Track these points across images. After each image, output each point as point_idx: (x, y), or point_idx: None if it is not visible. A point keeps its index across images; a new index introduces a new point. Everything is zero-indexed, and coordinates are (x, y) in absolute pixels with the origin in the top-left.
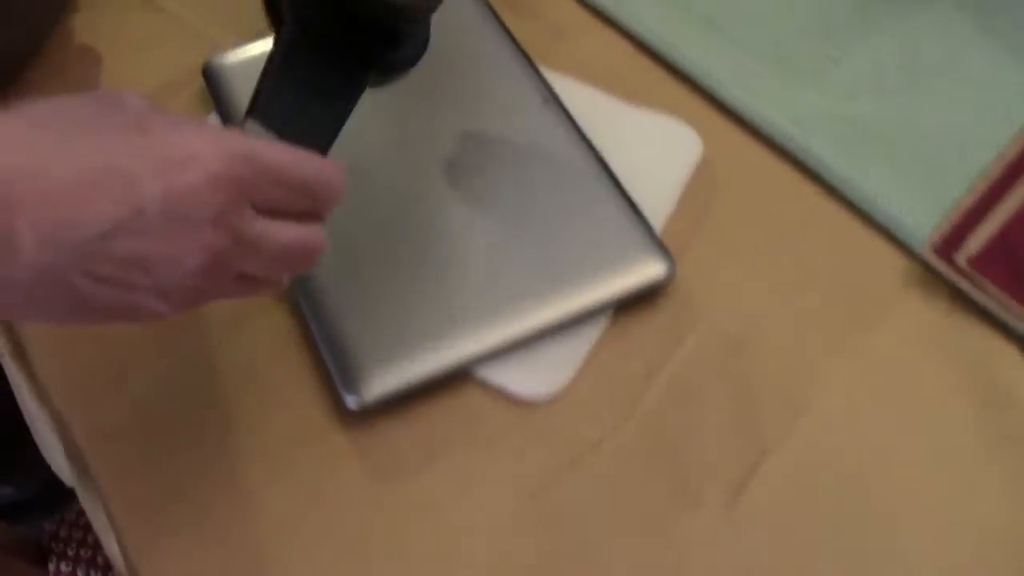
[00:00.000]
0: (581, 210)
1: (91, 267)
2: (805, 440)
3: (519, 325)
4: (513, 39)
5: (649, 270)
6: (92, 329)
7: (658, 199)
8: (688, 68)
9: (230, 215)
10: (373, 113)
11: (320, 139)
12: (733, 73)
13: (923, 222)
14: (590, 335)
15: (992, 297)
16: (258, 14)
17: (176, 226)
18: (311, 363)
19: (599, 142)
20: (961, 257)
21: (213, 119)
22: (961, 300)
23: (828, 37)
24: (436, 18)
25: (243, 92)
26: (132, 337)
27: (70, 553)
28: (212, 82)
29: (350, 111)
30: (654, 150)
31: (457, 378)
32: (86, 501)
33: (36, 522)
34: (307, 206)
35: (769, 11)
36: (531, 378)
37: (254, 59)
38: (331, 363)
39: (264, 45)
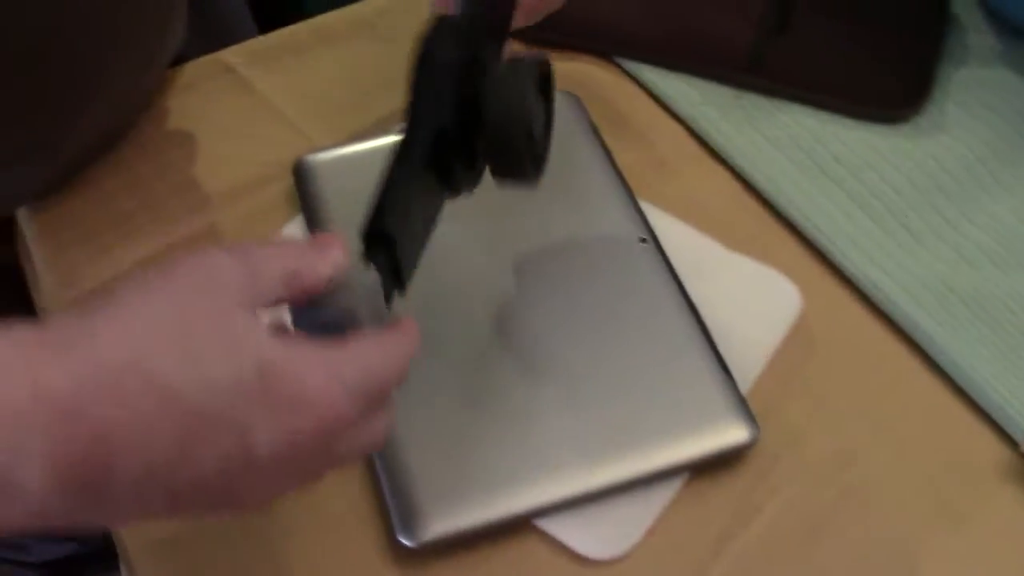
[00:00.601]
0: (667, 362)
1: (185, 496)
2: None
3: (589, 480)
4: (616, 168)
5: (731, 434)
6: None
7: (749, 356)
8: (795, 216)
9: (333, 445)
10: (461, 240)
11: (417, 255)
12: (842, 227)
13: None
14: (663, 497)
15: None
16: (353, 115)
17: (282, 464)
18: (370, 493)
19: (694, 288)
20: None
21: (298, 222)
22: None
23: (949, 199)
24: None
25: (332, 196)
26: None
27: None
28: (302, 181)
29: (435, 228)
30: (751, 303)
31: (519, 526)
32: None
33: None
34: None
35: (887, 165)
36: (596, 537)
37: (346, 163)
38: (390, 497)
39: (356, 149)
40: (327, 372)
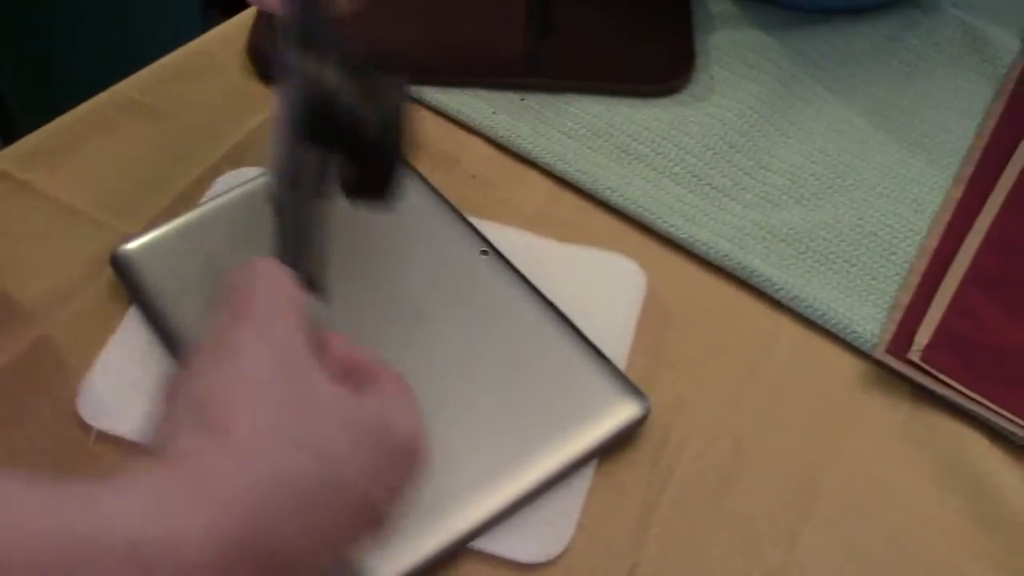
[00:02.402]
0: (545, 361)
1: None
2: (811, 561)
3: (508, 491)
4: (434, 189)
5: (625, 411)
6: None
7: (616, 337)
8: (612, 198)
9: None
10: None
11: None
12: (657, 198)
13: (872, 323)
14: (581, 487)
15: (951, 388)
16: (151, 196)
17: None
18: None
19: (544, 287)
20: (914, 354)
21: (133, 313)
22: (924, 395)
23: (742, 152)
24: None
25: (160, 279)
26: None
27: None
28: (125, 272)
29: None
30: (601, 288)
31: (457, 554)
32: None
33: None
34: None
35: (680, 134)
36: (533, 541)
37: (163, 243)
38: None
39: (169, 227)
40: (413, 415)
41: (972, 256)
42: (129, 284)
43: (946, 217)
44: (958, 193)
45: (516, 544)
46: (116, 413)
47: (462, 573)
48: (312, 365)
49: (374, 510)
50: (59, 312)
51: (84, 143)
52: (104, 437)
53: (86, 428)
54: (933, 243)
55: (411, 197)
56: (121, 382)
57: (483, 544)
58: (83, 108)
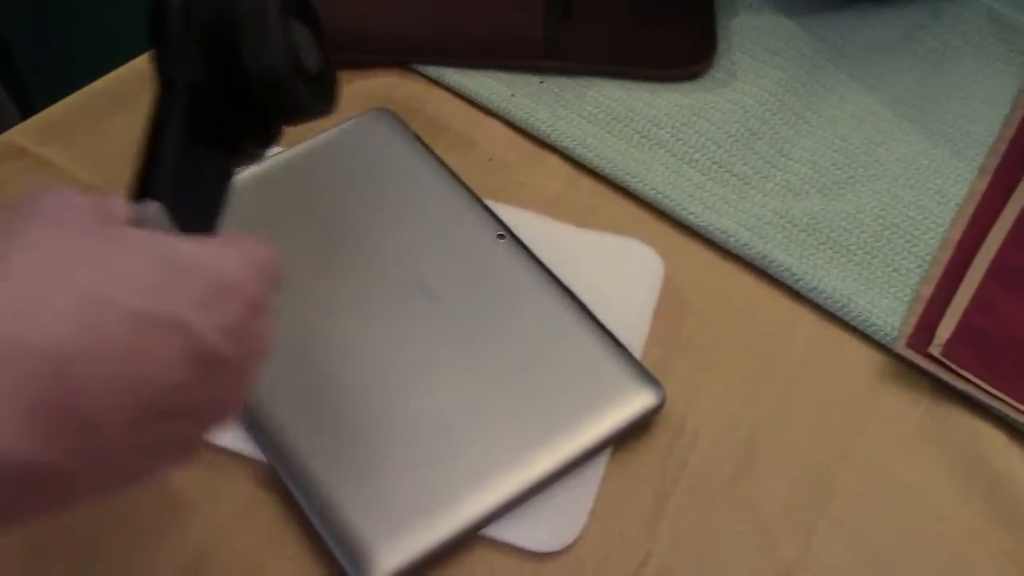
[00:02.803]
0: (560, 348)
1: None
2: (825, 556)
3: (521, 478)
4: (451, 172)
5: (641, 400)
6: None
7: (632, 325)
8: (630, 183)
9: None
10: (329, 280)
11: (211, 224)
12: (677, 184)
13: (892, 316)
14: (594, 476)
15: (971, 384)
16: None
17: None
18: (310, 548)
19: (561, 273)
20: (935, 348)
21: None
22: (943, 389)
23: (763, 140)
24: (367, 163)
25: None
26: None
27: None
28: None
29: (227, 192)
30: (618, 275)
31: (468, 540)
32: None
33: None
34: None
35: (700, 120)
36: (545, 530)
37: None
38: (333, 545)
39: None
40: (237, 257)
41: (996, 249)
42: None
43: (970, 209)
44: (983, 185)
45: (528, 533)
46: None
47: (474, 560)
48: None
49: (203, 343)
50: None
51: (103, 119)
52: None
53: None
54: (956, 235)
55: (427, 178)
56: None
57: (495, 532)
58: (102, 82)
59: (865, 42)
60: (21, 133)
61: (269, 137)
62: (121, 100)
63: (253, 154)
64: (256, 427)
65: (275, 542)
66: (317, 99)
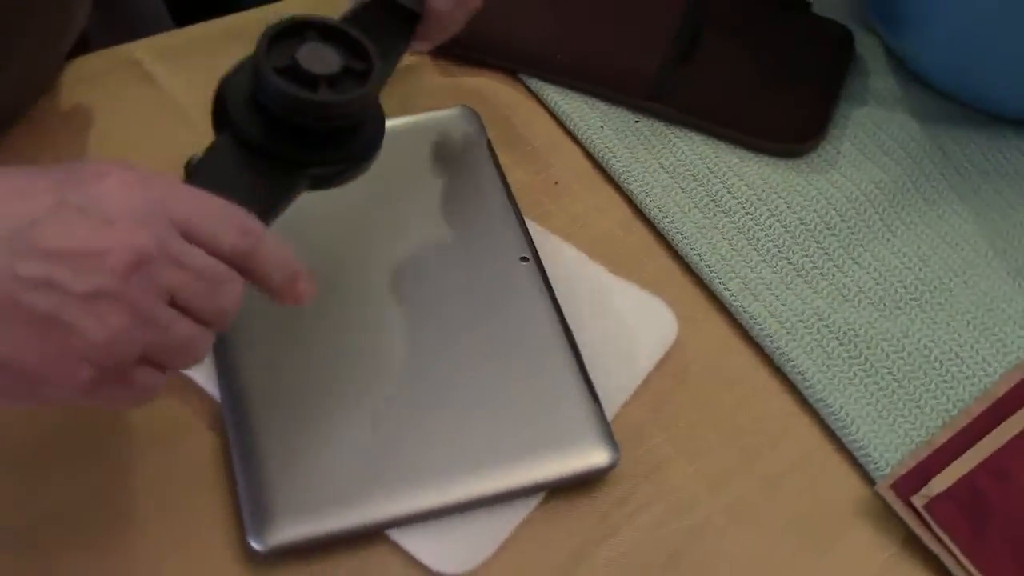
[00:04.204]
0: (534, 382)
1: (18, 262)
2: None
3: (444, 495)
4: (506, 185)
5: (591, 457)
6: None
7: (621, 379)
8: (680, 244)
9: (155, 222)
10: (340, 239)
11: None
12: (726, 258)
13: (891, 452)
14: (517, 514)
15: (945, 548)
16: None
17: (97, 221)
18: (227, 495)
19: (572, 308)
20: (920, 499)
21: None
22: (914, 544)
23: (835, 236)
24: (429, 155)
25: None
26: (56, 434)
27: None
28: (190, 182)
29: (276, 213)
30: (628, 328)
31: (372, 536)
32: None
33: None
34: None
35: (778, 200)
36: (448, 551)
37: None
38: (244, 499)
39: None
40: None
41: None
42: None
43: None
44: None
45: (430, 548)
46: None
47: (370, 557)
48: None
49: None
50: None
51: (219, 51)
52: None
53: None
54: (1000, 390)
55: (478, 185)
56: None
57: (400, 536)
58: (230, 19)
59: (988, 166)
60: (142, 47)
61: (331, 157)
62: (237, 37)
63: (328, 176)
64: (221, 366)
65: (199, 476)
66: (340, 97)
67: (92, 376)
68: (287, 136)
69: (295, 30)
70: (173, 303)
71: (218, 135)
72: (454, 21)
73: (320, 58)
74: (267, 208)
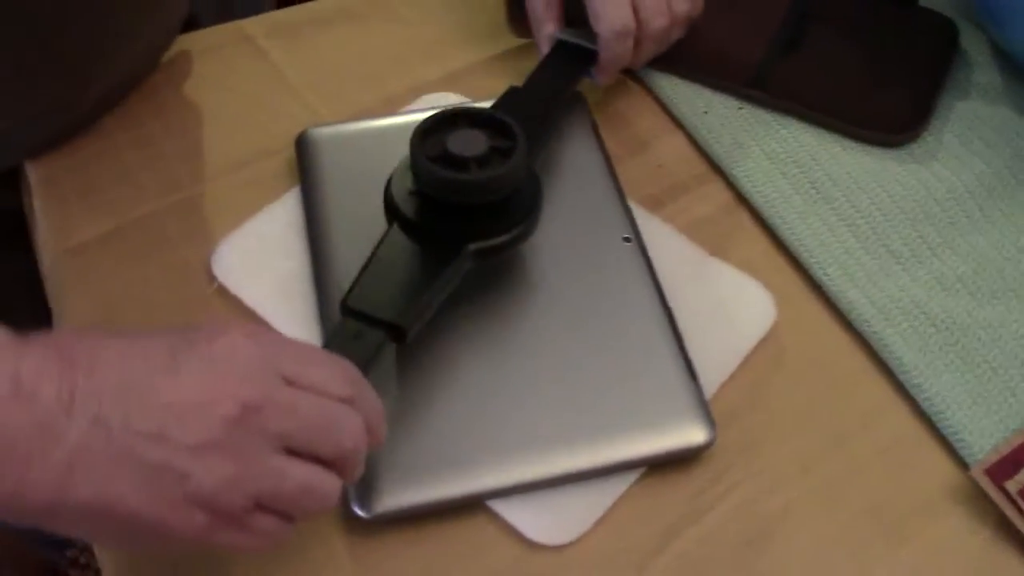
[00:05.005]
0: (634, 359)
1: (134, 416)
2: None
3: (545, 467)
4: (610, 166)
5: (689, 435)
6: None
7: (719, 360)
8: (781, 229)
9: (262, 376)
10: None
11: (411, 315)
12: (826, 244)
13: (985, 439)
14: (616, 489)
15: None
16: (362, 93)
17: (207, 377)
18: None
19: (674, 291)
20: (1014, 484)
21: (294, 194)
22: (1007, 529)
23: (934, 226)
24: None
25: (332, 170)
26: None
27: None
28: (303, 154)
29: (446, 287)
30: (727, 310)
31: (472, 505)
32: None
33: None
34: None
35: (879, 188)
36: (546, 523)
37: (349, 138)
38: None
39: (361, 126)
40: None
41: None
42: (302, 166)
43: None
44: None
45: (530, 519)
46: (240, 275)
47: (469, 526)
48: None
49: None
50: (235, 173)
51: (328, 28)
52: (223, 292)
53: (211, 279)
54: None
55: (584, 165)
56: (257, 250)
57: (499, 506)
58: None
59: None
60: (255, 23)
61: (491, 230)
62: (348, 15)
63: (490, 248)
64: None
65: None
66: (486, 173)
67: (206, 521)
68: (448, 217)
69: (446, 121)
70: (290, 450)
71: (389, 226)
72: (625, 55)
73: (468, 142)
74: (435, 286)
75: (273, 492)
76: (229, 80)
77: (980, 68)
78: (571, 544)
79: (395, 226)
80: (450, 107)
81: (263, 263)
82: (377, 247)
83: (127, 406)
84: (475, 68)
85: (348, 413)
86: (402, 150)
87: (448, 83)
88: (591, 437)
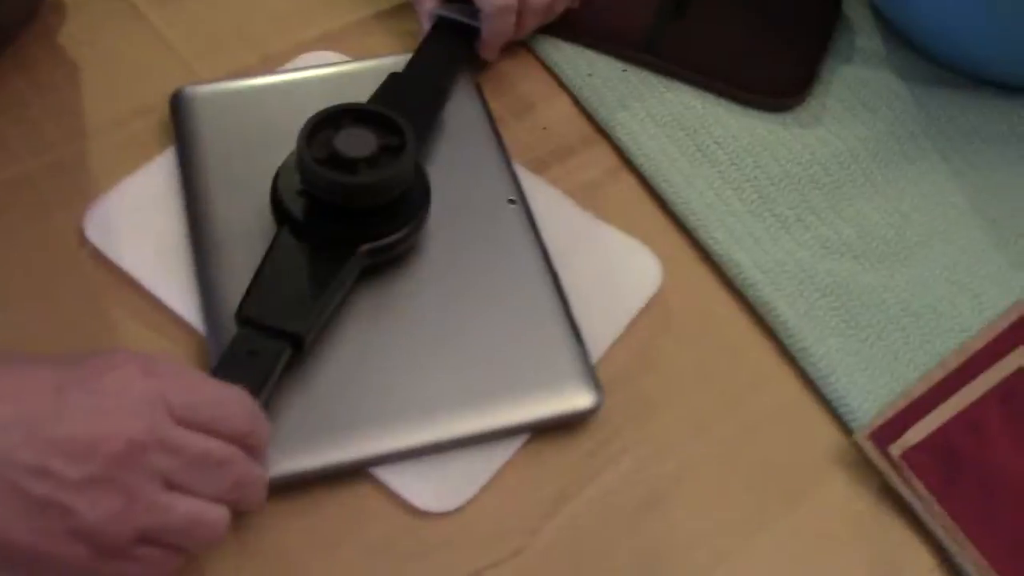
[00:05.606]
0: (520, 323)
1: (18, 451)
2: None
3: (429, 433)
4: (495, 130)
5: (575, 399)
6: None
7: (605, 324)
8: (667, 193)
9: (150, 412)
10: None
11: (308, 322)
12: (713, 208)
13: (870, 403)
14: (501, 455)
15: (919, 497)
16: (239, 52)
17: (93, 414)
18: None
19: (559, 254)
20: (896, 448)
21: (169, 154)
22: (890, 492)
23: (819, 190)
24: None
25: (207, 130)
26: None
27: None
28: (178, 113)
29: (341, 289)
30: (613, 273)
31: (356, 473)
32: None
33: None
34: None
35: (765, 152)
36: (431, 489)
37: (225, 98)
38: None
39: (237, 85)
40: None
41: (1011, 371)
42: (178, 125)
43: (1003, 325)
44: None
45: (415, 486)
46: (114, 237)
47: (353, 494)
48: None
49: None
50: (109, 134)
51: None
52: (96, 255)
53: (84, 242)
54: (977, 344)
55: (467, 127)
56: (131, 212)
57: (384, 474)
58: None
59: (970, 126)
60: None
61: (381, 231)
62: None
63: (381, 248)
64: (206, 301)
65: None
66: (376, 176)
67: (91, 554)
68: (338, 218)
69: (331, 119)
70: (173, 486)
71: (279, 229)
72: (507, 30)
73: (356, 141)
74: (329, 290)
75: (159, 526)
76: (103, 38)
77: (862, 34)
78: (459, 511)
79: (285, 229)
80: (335, 105)
81: (138, 225)
82: (268, 252)
83: (12, 440)
84: (355, 27)
85: (234, 454)
86: (280, 109)
87: (328, 42)
88: (476, 402)
